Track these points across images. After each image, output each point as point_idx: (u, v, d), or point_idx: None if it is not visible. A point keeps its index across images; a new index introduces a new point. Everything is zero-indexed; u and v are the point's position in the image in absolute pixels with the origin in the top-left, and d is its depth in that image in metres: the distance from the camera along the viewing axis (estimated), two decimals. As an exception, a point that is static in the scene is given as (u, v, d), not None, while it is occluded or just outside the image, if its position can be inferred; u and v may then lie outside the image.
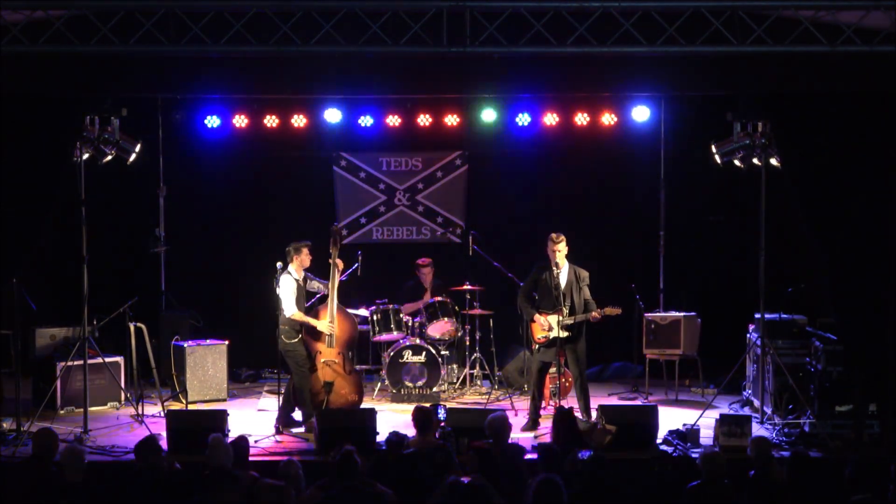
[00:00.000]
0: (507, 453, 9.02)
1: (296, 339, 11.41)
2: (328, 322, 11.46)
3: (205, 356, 13.00)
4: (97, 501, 7.98)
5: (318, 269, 11.73)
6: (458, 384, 13.52)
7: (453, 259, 14.16)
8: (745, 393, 12.82)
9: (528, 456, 9.29)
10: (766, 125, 11.38)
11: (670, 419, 11.33)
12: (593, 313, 11.30)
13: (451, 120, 14.37)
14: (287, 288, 11.33)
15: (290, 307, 11.32)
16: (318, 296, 11.81)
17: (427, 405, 9.97)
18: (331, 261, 11.54)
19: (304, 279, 11.55)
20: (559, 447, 8.75)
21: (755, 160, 11.64)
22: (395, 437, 9.03)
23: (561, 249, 11.33)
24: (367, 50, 10.14)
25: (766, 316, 11.70)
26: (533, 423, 11.45)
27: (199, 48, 10.01)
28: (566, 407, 10.66)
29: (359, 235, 14.68)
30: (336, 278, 11.53)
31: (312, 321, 11.43)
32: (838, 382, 11.07)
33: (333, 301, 11.53)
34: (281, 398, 11.51)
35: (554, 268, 11.33)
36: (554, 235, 11.39)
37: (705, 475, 8.09)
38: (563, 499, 7.08)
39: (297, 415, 11.59)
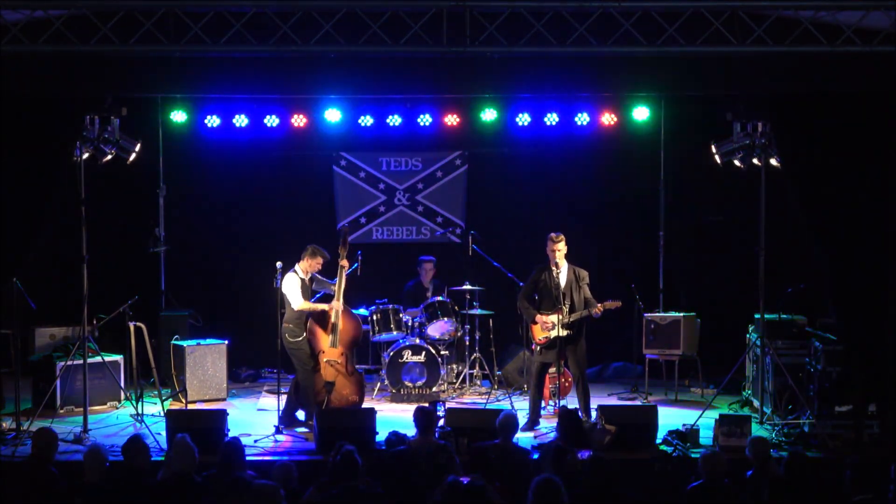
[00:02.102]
0: (514, 453, 9.02)
1: (300, 338, 11.42)
2: (335, 304, 11.45)
3: (205, 356, 13.00)
4: (115, 502, 7.95)
5: (322, 270, 11.74)
6: (457, 384, 13.52)
7: (453, 259, 14.16)
8: (745, 393, 12.82)
9: (533, 456, 9.32)
10: (766, 125, 11.38)
11: (670, 419, 11.32)
12: (594, 309, 11.31)
13: (451, 120, 14.37)
14: (292, 284, 11.35)
15: (296, 300, 11.33)
16: (319, 294, 11.80)
17: (427, 405, 9.97)
18: (339, 261, 11.55)
19: (311, 279, 11.56)
20: (565, 446, 8.73)
21: (755, 160, 11.64)
22: (395, 437, 9.03)
23: (560, 249, 11.33)
24: (367, 50, 10.15)
25: (766, 316, 11.69)
26: (532, 423, 11.45)
27: (199, 48, 10.01)
28: (570, 407, 10.65)
29: (358, 235, 14.67)
30: (343, 279, 11.54)
31: (320, 306, 11.45)
32: (838, 382, 11.06)
33: (340, 301, 11.53)
34: (281, 398, 11.50)
35: (554, 268, 11.33)
36: (553, 235, 11.40)
37: (706, 475, 8.09)
38: (562, 498, 7.08)
39: (300, 414, 11.59)
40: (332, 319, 11.48)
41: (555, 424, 11.23)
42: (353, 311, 12.08)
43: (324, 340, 11.51)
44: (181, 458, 8.13)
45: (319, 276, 11.66)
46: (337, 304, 11.47)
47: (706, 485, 8.05)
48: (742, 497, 8.15)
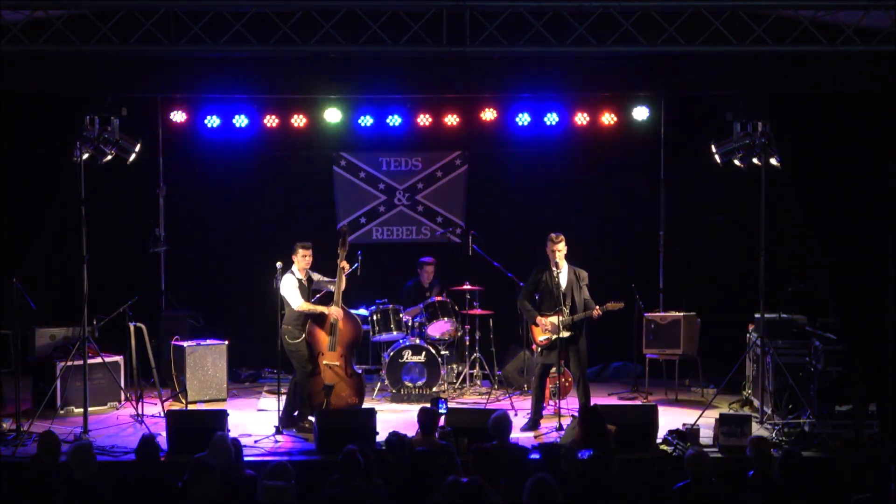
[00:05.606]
0: (511, 453, 9.00)
1: (299, 340, 11.41)
2: (334, 310, 11.42)
3: (205, 356, 13.00)
4: (105, 500, 7.95)
5: (321, 269, 11.73)
6: (457, 384, 13.52)
7: (453, 259, 14.16)
8: (745, 393, 12.82)
9: (532, 456, 9.29)
10: (766, 125, 11.38)
11: (670, 419, 11.32)
12: (594, 311, 11.30)
13: (451, 120, 14.37)
14: (289, 285, 11.34)
15: (295, 300, 11.32)
16: (319, 294, 11.78)
17: (430, 404, 9.96)
18: (338, 262, 11.53)
19: (308, 279, 11.55)
20: (589, 447, 8.61)
21: (755, 160, 11.65)
22: (395, 438, 9.02)
23: (560, 249, 11.33)
24: (367, 50, 10.14)
25: (766, 316, 11.69)
26: (533, 424, 11.44)
27: (199, 48, 9.99)
28: (595, 406, 10.47)
29: (359, 235, 14.67)
30: (342, 280, 11.52)
31: (320, 308, 11.42)
32: (838, 382, 11.05)
33: (339, 303, 11.52)
34: (282, 398, 11.50)
35: (554, 268, 11.33)
36: (553, 235, 11.40)
37: (691, 475, 8.10)
38: (558, 497, 7.07)
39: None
40: (332, 321, 11.47)
41: (555, 424, 11.28)
42: (354, 311, 12.07)
43: (323, 343, 11.49)
44: (216, 455, 8.17)
45: (319, 275, 11.65)
46: (335, 308, 11.44)
47: (692, 484, 8.06)
48: (739, 497, 8.15)
